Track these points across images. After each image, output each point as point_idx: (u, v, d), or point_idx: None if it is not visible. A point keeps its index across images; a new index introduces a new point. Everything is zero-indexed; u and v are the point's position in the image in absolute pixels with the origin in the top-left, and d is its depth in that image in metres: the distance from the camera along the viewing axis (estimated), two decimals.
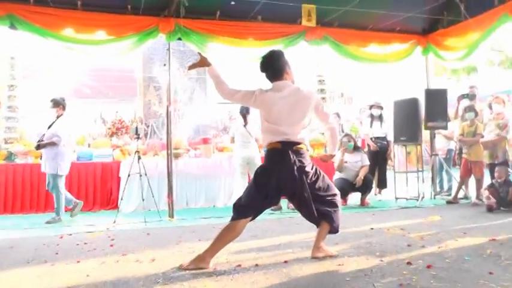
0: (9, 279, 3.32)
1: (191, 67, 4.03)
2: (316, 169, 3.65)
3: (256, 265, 3.46)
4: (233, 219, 3.50)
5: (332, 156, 3.97)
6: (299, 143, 3.54)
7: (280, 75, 3.59)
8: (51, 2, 6.06)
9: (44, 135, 6.56)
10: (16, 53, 9.39)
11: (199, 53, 3.99)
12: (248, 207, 3.49)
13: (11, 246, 4.58)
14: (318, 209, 3.58)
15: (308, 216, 3.68)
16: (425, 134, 8.26)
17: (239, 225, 3.48)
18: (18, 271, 3.57)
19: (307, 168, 3.52)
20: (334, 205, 3.65)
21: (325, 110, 3.75)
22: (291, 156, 3.45)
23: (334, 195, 3.69)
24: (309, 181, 3.52)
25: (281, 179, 3.47)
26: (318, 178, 3.61)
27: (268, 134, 3.58)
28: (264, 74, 3.67)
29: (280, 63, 3.62)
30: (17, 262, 3.87)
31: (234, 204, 3.56)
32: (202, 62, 3.83)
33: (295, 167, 3.45)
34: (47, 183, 6.60)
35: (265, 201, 3.55)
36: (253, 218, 3.57)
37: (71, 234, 5.25)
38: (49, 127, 6.59)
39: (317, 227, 3.72)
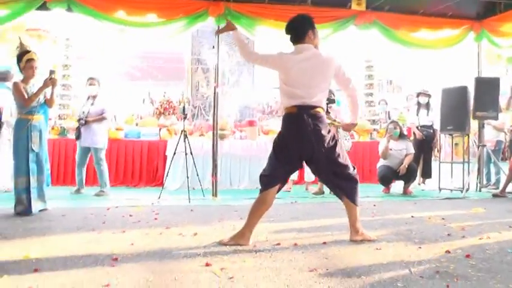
0: (61, 243, 3.57)
1: (219, 32, 4.29)
2: (334, 135, 3.62)
3: (295, 244, 3.54)
4: (261, 191, 3.59)
5: (354, 125, 3.95)
6: (316, 107, 3.51)
7: (302, 38, 3.59)
8: None
9: (84, 112, 6.81)
10: (71, 34, 9.76)
11: (226, 18, 4.15)
12: (272, 176, 3.56)
13: (63, 215, 4.89)
14: (338, 184, 3.64)
15: (326, 178, 3.76)
16: (474, 125, 8.00)
17: (269, 196, 3.56)
18: (69, 236, 3.84)
19: (323, 132, 3.50)
20: (354, 180, 3.66)
21: (347, 76, 3.71)
22: (307, 120, 3.45)
23: (353, 168, 3.70)
24: (325, 145, 3.51)
25: (298, 144, 3.49)
26: (335, 144, 3.59)
27: (286, 97, 3.58)
28: (288, 37, 3.69)
29: (303, 26, 3.63)
30: (67, 228, 4.15)
31: (260, 176, 3.63)
32: (229, 27, 3.93)
33: (311, 130, 3.44)
34: (95, 157, 6.86)
35: (287, 168, 3.62)
36: (282, 186, 3.66)
37: (117, 207, 5.50)
38: (91, 104, 6.86)
39: (336, 195, 3.78)
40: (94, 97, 6.94)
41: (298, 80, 3.50)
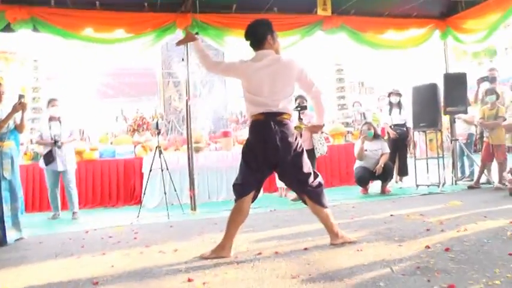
0: (39, 272, 3.47)
1: (179, 43, 4.08)
2: (300, 143, 3.62)
3: (276, 253, 3.53)
4: (236, 200, 3.58)
5: (320, 126, 3.99)
6: (282, 113, 3.49)
7: (262, 44, 3.55)
8: (70, 3, 6.20)
9: (56, 135, 6.69)
10: (39, 55, 9.64)
11: (185, 29, 4.17)
12: (245, 184, 3.56)
13: (40, 242, 4.77)
14: (303, 190, 3.64)
15: (291, 184, 3.82)
16: (446, 120, 8.16)
17: (244, 205, 3.54)
18: (47, 264, 3.73)
19: (290, 139, 3.49)
20: (318, 185, 3.64)
21: (309, 78, 3.66)
22: (273, 127, 3.43)
23: (317, 176, 3.68)
24: (292, 152, 3.51)
25: (265, 151, 3.48)
26: (302, 152, 3.59)
27: (251, 105, 3.55)
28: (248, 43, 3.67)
29: (261, 31, 3.58)
30: (45, 256, 4.04)
31: (233, 186, 3.63)
32: (188, 37, 3.96)
33: (277, 137, 3.42)
34: (66, 180, 6.76)
35: (258, 176, 3.60)
36: (257, 194, 3.64)
37: (95, 229, 5.40)
38: (59, 126, 6.78)
39: (303, 201, 3.77)
40: (58, 118, 6.82)
41: (261, 87, 3.48)
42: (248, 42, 3.64)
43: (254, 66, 3.50)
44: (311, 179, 3.60)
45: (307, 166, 3.60)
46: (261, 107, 3.48)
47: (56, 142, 6.64)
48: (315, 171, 3.73)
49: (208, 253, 3.53)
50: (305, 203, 3.73)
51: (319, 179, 3.68)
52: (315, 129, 4.05)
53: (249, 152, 3.59)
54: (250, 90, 3.54)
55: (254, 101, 3.52)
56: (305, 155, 3.62)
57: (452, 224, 4.21)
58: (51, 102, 6.82)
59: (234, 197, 3.61)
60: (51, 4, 6.17)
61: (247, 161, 3.58)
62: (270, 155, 3.48)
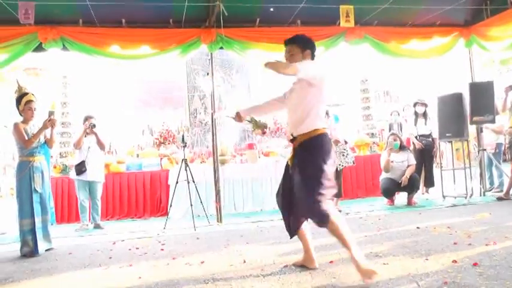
0: (68, 282, 3.58)
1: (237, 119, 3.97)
2: None
3: (302, 265, 3.53)
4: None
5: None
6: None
7: None
8: (97, 22, 6.42)
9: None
10: (68, 71, 9.92)
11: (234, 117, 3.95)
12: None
13: (69, 253, 4.89)
14: None
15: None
16: (473, 129, 8.03)
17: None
18: (76, 274, 3.85)
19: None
20: None
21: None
22: None
23: None
24: None
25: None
26: None
27: (321, 117, 3.42)
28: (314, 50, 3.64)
29: None
30: (74, 266, 4.16)
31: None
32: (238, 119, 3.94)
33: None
34: (96, 192, 7.01)
35: None
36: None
37: (123, 240, 5.51)
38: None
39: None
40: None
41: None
42: (314, 50, 3.64)
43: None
44: None
45: None
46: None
47: (93, 125, 6.95)
48: None
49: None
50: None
51: None
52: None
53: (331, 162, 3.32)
54: (325, 100, 3.49)
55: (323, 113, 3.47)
56: None
57: (481, 238, 4.14)
58: (87, 119, 7.05)
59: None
60: (79, 24, 6.43)
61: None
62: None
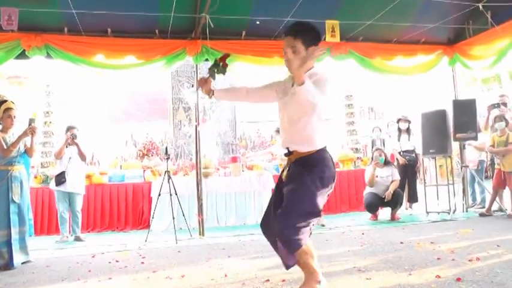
0: None
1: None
2: None
3: (283, 280, 3.49)
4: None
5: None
6: None
7: None
8: (83, 31, 6.34)
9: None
10: (51, 80, 9.80)
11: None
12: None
13: (47, 265, 4.76)
14: None
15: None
16: (456, 146, 8.11)
17: None
18: None
19: None
20: None
21: None
22: None
23: None
24: None
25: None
26: None
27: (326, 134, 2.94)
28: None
29: None
30: (51, 280, 4.04)
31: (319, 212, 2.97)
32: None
33: None
34: (76, 204, 6.88)
35: None
36: None
37: (103, 253, 5.40)
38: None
39: None
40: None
41: None
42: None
43: None
44: None
45: None
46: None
47: (74, 136, 6.82)
48: None
49: None
50: None
51: None
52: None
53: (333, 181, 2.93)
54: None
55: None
56: None
57: (464, 253, 4.14)
58: (69, 130, 6.94)
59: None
60: (64, 32, 6.34)
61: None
62: None
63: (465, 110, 7.35)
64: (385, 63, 7.74)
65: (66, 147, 6.85)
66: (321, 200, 2.82)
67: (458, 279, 3.18)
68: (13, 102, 5.11)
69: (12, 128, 5.08)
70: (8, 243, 4.77)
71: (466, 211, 7.64)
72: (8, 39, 5.99)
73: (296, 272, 3.65)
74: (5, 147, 4.90)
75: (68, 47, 6.28)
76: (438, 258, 3.96)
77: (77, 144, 6.83)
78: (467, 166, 7.78)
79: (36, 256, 5.25)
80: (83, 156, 6.94)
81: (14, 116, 5.07)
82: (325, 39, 6.81)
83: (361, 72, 7.97)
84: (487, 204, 7.24)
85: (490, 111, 7.76)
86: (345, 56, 7.32)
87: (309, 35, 2.86)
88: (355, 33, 7.28)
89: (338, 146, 10.82)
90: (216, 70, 3.19)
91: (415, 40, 7.78)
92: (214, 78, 3.19)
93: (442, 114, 7.50)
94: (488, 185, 7.57)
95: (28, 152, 5.18)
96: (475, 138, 7.44)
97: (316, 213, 2.81)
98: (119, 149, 10.50)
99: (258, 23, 6.63)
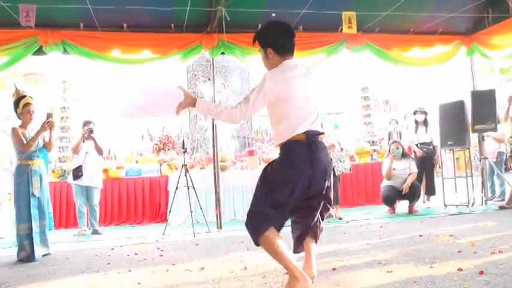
0: (66, 287, 3.50)
1: (179, 108, 3.10)
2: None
3: None
4: None
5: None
6: (321, 133, 2.95)
7: (292, 53, 3.02)
8: (99, 26, 6.38)
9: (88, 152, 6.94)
10: (67, 76, 9.88)
11: (180, 87, 3.20)
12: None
13: (66, 258, 4.82)
14: (320, 221, 3.11)
15: (306, 227, 3.08)
16: (474, 138, 7.99)
17: None
18: (73, 280, 3.78)
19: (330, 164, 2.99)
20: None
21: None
22: (319, 149, 2.88)
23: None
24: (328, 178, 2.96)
25: (311, 176, 2.85)
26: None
27: (289, 126, 2.86)
28: (279, 44, 2.96)
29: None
30: (72, 272, 4.09)
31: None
32: (188, 102, 3.06)
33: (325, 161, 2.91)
34: (94, 198, 6.95)
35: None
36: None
37: (121, 246, 5.44)
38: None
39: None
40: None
41: (303, 100, 2.93)
42: (281, 43, 2.96)
43: (293, 76, 2.87)
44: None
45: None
46: (302, 125, 2.86)
47: (91, 131, 6.87)
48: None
49: None
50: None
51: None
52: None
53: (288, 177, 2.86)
54: (289, 105, 2.87)
55: (293, 119, 2.86)
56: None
57: (485, 246, 4.08)
58: (86, 125, 7.00)
59: None
60: (80, 27, 6.38)
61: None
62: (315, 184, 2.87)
63: (484, 101, 7.22)
64: (402, 54, 7.64)
65: (83, 141, 6.90)
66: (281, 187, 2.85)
67: (481, 272, 3.13)
68: (32, 98, 5.16)
69: (31, 123, 5.14)
70: (29, 236, 4.86)
71: (485, 204, 7.53)
72: (25, 36, 6.07)
73: (317, 265, 3.64)
74: (25, 142, 4.96)
75: (84, 43, 6.32)
76: (459, 251, 3.91)
77: (93, 139, 6.89)
78: (486, 158, 7.67)
79: (56, 249, 5.32)
80: (100, 151, 7.00)
81: (33, 111, 5.12)
82: (341, 30, 6.76)
83: (377, 64, 7.89)
84: (507, 197, 7.13)
85: (511, 102, 7.62)
86: (362, 48, 7.24)
87: (260, 39, 3.03)
88: (371, 25, 7.20)
89: (354, 138, 10.76)
90: None
91: (432, 30, 7.67)
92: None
93: (460, 105, 7.38)
94: (509, 177, 7.46)
95: (47, 146, 5.24)
96: (494, 130, 7.32)
97: (278, 202, 2.87)
98: (135, 144, 10.57)
99: (273, 15, 6.57)
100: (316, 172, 2.83)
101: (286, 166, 2.85)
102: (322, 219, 3.12)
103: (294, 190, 2.79)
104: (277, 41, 2.96)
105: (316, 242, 3.10)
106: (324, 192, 2.94)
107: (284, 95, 2.84)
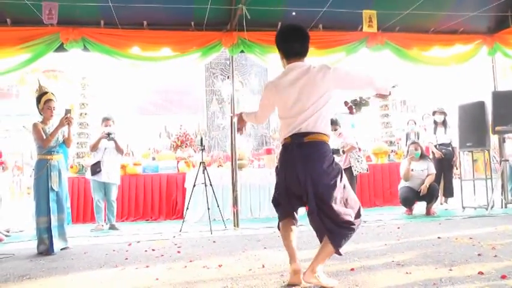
0: (84, 281, 3.56)
1: (240, 130, 3.63)
2: (337, 170, 3.01)
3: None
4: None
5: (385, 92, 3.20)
6: (312, 133, 2.97)
7: (300, 57, 3.10)
8: (119, 24, 6.43)
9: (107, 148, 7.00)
10: (87, 73, 9.99)
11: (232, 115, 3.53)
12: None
13: (85, 252, 4.89)
14: (326, 223, 2.98)
15: (315, 227, 3.13)
16: (494, 140, 7.87)
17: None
18: (92, 274, 3.82)
19: (318, 165, 2.94)
20: (347, 224, 2.96)
21: (347, 70, 3.05)
22: (297, 151, 2.97)
23: (353, 214, 3.00)
24: (322, 182, 2.93)
25: (286, 179, 3.09)
26: (335, 183, 2.96)
27: (282, 130, 3.10)
28: (283, 48, 3.12)
29: (307, 43, 3.11)
30: (90, 266, 4.14)
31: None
32: (241, 121, 3.56)
33: (300, 163, 2.95)
34: (112, 193, 7.01)
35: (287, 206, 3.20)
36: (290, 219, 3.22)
37: (139, 242, 5.49)
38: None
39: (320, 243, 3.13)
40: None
41: (289, 104, 3.07)
42: (285, 48, 3.11)
43: (282, 83, 3.07)
44: (347, 215, 2.97)
45: (345, 196, 3.02)
46: (289, 128, 3.03)
47: (109, 134, 6.91)
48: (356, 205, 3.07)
49: None
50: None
51: (357, 219, 3.03)
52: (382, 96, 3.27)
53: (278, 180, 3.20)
54: (280, 111, 3.12)
55: (285, 124, 3.07)
56: (341, 187, 3.00)
57: (507, 250, 4.02)
58: (105, 121, 7.08)
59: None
60: (101, 25, 6.45)
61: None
62: (292, 185, 3.05)
63: (505, 102, 7.10)
64: (422, 53, 7.56)
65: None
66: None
67: (504, 277, 3.08)
68: (53, 94, 5.24)
69: (52, 119, 5.22)
70: (48, 230, 4.94)
71: (505, 207, 7.43)
72: (47, 33, 6.16)
73: (335, 265, 3.65)
74: (44, 137, 5.04)
75: (104, 40, 6.38)
76: (479, 254, 3.86)
77: (114, 140, 6.95)
78: (507, 160, 7.56)
79: (74, 243, 5.40)
80: (120, 151, 7.08)
81: (54, 108, 5.20)
82: (361, 29, 6.71)
83: (396, 63, 7.81)
84: None
85: None
86: (381, 47, 7.17)
87: (275, 42, 3.19)
88: (391, 24, 7.13)
89: (372, 138, 10.68)
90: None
91: (453, 30, 7.58)
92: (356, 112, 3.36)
93: (480, 106, 7.27)
94: None
95: (66, 142, 5.31)
96: None
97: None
98: (153, 141, 10.64)
99: (293, 14, 6.57)
100: (292, 173, 3.01)
101: (277, 168, 3.22)
102: (337, 225, 2.96)
103: (283, 190, 3.14)
104: (281, 45, 3.13)
105: (332, 245, 2.98)
106: (311, 196, 2.94)
107: (275, 102, 3.16)
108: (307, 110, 2.96)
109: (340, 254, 3.04)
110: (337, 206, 2.94)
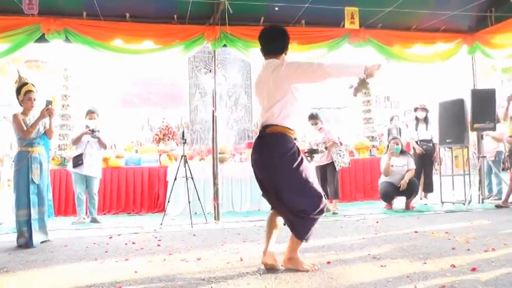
0: (63, 274, 3.55)
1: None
2: (297, 161, 3.17)
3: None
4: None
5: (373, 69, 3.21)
6: (273, 125, 3.21)
7: (275, 55, 3.39)
8: (102, 16, 6.38)
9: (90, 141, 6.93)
10: (69, 64, 9.88)
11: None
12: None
13: (65, 245, 4.86)
14: (285, 214, 3.28)
15: (281, 213, 3.35)
16: (473, 136, 8.02)
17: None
18: (71, 267, 3.81)
19: (277, 154, 3.17)
20: (302, 213, 3.19)
21: (306, 65, 3.20)
22: (263, 142, 3.25)
23: (310, 203, 3.18)
24: (279, 171, 3.17)
25: (255, 169, 3.37)
26: (291, 173, 3.15)
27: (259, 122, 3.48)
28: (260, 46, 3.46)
29: (284, 43, 3.42)
30: (70, 259, 4.13)
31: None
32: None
33: (262, 153, 3.25)
34: (93, 187, 6.96)
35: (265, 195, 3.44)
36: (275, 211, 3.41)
37: (119, 235, 5.48)
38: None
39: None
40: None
41: (261, 98, 3.45)
42: (261, 47, 3.45)
43: (257, 78, 3.47)
44: (300, 205, 3.19)
45: (299, 189, 3.18)
46: (261, 121, 3.36)
47: (93, 131, 6.83)
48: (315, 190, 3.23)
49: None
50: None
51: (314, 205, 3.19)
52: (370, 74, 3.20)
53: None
54: (260, 105, 3.49)
55: (260, 116, 3.43)
56: (299, 176, 3.17)
57: (479, 244, 4.13)
58: (89, 114, 7.02)
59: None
60: (83, 16, 6.38)
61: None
62: (259, 174, 3.35)
63: (484, 100, 7.23)
64: (404, 51, 7.66)
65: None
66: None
67: (474, 269, 3.18)
68: (33, 85, 5.17)
69: (33, 110, 5.16)
70: (28, 223, 4.89)
71: (482, 202, 7.59)
72: (28, 23, 6.08)
73: (311, 258, 3.70)
74: (25, 128, 4.99)
75: (87, 31, 6.33)
76: (453, 248, 3.96)
77: (98, 138, 6.90)
78: (484, 157, 7.70)
79: (55, 236, 5.37)
80: (103, 146, 7.00)
81: (34, 99, 5.14)
82: (343, 25, 6.76)
83: (378, 60, 7.87)
84: (503, 196, 7.18)
85: (510, 102, 7.64)
86: (364, 44, 7.24)
87: None
88: (374, 20, 7.20)
89: (354, 134, 10.77)
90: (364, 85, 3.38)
91: (434, 28, 7.67)
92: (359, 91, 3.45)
93: (460, 103, 7.39)
94: (506, 176, 7.50)
95: (47, 133, 5.26)
96: (493, 129, 7.35)
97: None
98: (135, 133, 10.60)
99: (276, 9, 6.58)
100: (257, 164, 3.32)
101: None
102: (294, 214, 3.23)
103: (259, 182, 3.38)
104: (260, 44, 3.46)
105: (294, 235, 3.32)
106: (270, 186, 3.27)
107: (257, 96, 3.49)
108: (272, 104, 3.24)
109: (305, 241, 3.31)
110: (291, 195, 3.18)
